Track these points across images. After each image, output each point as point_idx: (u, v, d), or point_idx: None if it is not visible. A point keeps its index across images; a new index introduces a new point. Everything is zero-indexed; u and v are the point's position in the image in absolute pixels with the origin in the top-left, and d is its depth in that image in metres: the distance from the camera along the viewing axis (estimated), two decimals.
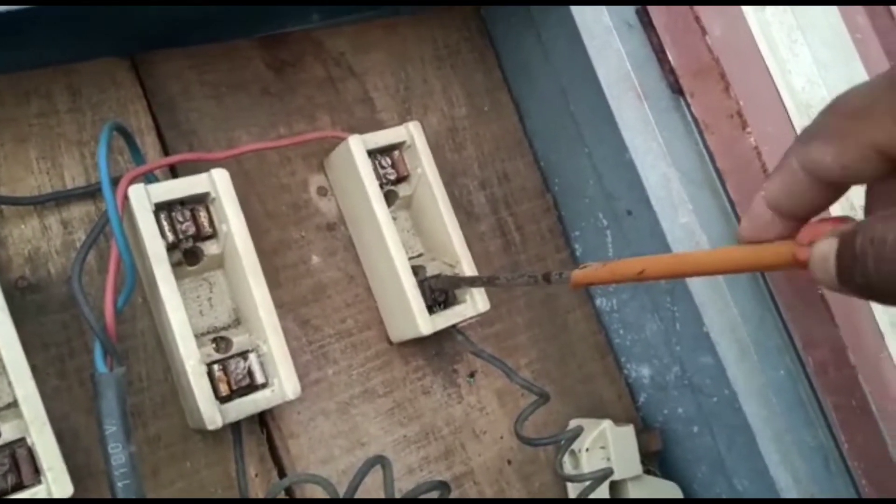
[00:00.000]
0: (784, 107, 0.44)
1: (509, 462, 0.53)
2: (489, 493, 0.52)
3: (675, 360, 0.53)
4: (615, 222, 0.53)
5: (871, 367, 0.40)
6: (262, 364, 0.41)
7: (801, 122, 0.45)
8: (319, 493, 0.42)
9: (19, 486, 0.35)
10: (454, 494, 0.50)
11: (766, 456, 0.43)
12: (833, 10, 0.45)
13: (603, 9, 0.43)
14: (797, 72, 0.45)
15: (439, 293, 0.48)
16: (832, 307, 0.38)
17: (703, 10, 0.39)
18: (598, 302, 0.58)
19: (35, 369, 0.37)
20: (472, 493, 0.51)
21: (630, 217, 0.51)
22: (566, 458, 0.52)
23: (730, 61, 0.39)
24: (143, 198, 0.38)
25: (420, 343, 0.51)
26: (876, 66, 0.45)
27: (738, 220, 0.44)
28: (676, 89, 0.43)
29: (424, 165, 0.48)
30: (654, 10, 0.42)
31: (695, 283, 0.45)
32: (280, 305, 0.45)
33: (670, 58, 0.42)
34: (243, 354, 0.41)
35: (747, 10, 0.43)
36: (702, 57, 0.40)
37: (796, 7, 0.44)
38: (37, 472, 0.36)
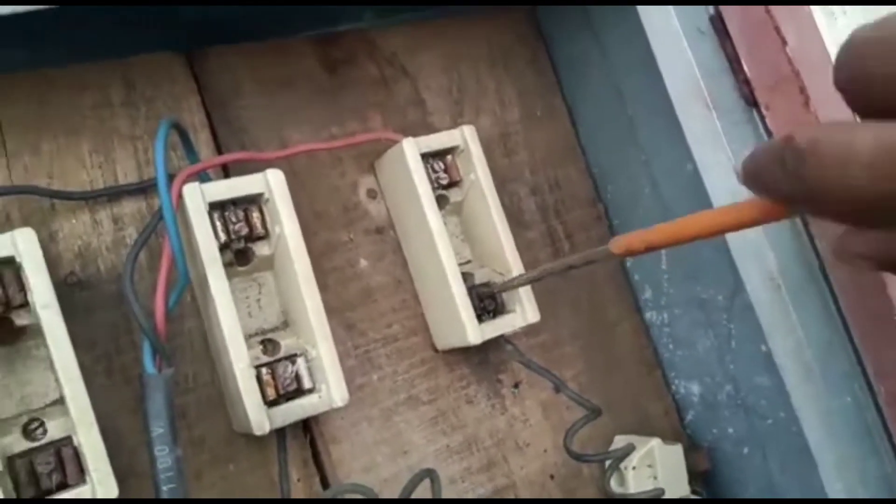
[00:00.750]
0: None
1: (552, 476, 0.52)
2: None
3: (728, 378, 0.51)
4: None
5: None
6: (310, 369, 0.41)
7: None
8: None
9: (63, 486, 0.35)
10: None
11: (826, 483, 0.41)
12: None
13: (671, 12, 0.42)
14: None
15: (489, 301, 0.47)
16: None
17: (783, 19, 0.37)
18: (647, 315, 0.57)
19: (82, 367, 0.36)
20: None
21: None
22: (613, 477, 0.50)
23: (809, 74, 0.38)
24: (197, 197, 0.38)
25: (465, 351, 0.49)
26: None
27: (809, 237, 0.42)
28: (751, 101, 0.41)
29: (478, 171, 0.47)
30: (729, 17, 0.40)
31: (759, 301, 0.44)
32: (328, 309, 0.44)
33: (746, 68, 0.40)
34: (291, 358, 0.41)
35: (821, 21, 0.42)
36: (781, 68, 0.38)
37: (870, 16, 0.43)
38: (82, 472, 0.35)
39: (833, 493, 0.41)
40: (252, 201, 0.41)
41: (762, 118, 0.41)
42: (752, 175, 0.23)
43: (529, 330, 0.52)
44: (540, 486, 0.51)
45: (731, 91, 0.42)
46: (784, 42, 0.38)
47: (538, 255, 0.54)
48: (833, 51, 0.42)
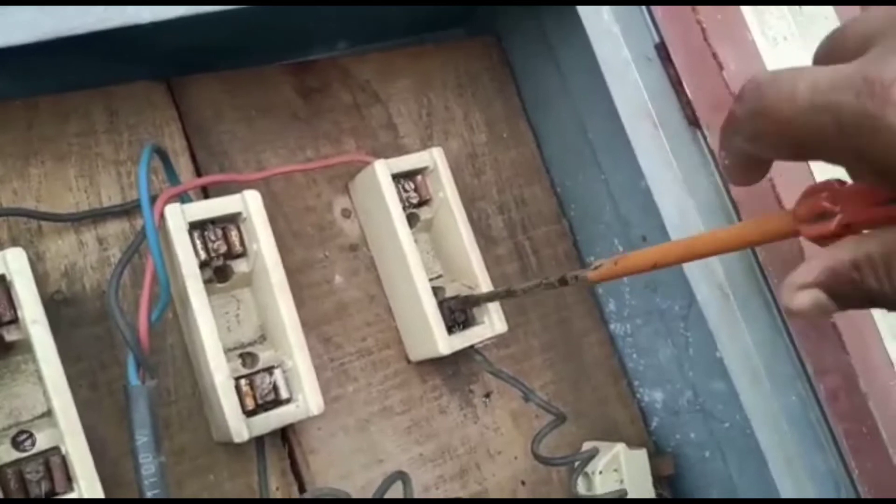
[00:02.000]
0: None
1: (523, 483, 0.54)
2: None
3: (687, 385, 0.54)
4: (631, 248, 0.54)
5: (881, 395, 0.41)
6: (287, 380, 0.43)
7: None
8: None
9: (52, 493, 0.36)
10: None
11: (777, 480, 0.44)
12: None
13: (622, 42, 0.45)
14: None
15: (459, 314, 0.49)
16: (844, 336, 0.39)
17: (720, 46, 0.41)
18: (612, 327, 0.59)
19: (67, 380, 0.38)
20: None
21: (645, 243, 0.52)
22: (580, 480, 0.53)
23: None
24: (178, 217, 0.40)
25: (437, 363, 0.52)
26: None
27: (753, 249, 0.45)
28: (693, 121, 0.44)
29: (446, 190, 0.49)
30: (673, 45, 0.43)
31: (709, 310, 0.46)
32: (303, 323, 0.46)
33: (687, 91, 0.44)
34: (269, 370, 0.43)
35: (763, 46, 0.45)
36: (718, 92, 0.41)
37: (810, 43, 0.46)
38: (69, 479, 0.37)
39: (784, 491, 0.44)
40: (230, 220, 0.43)
41: (704, 137, 0.44)
42: (724, 124, 0.29)
43: (500, 342, 0.54)
44: (511, 492, 0.53)
45: (676, 112, 0.45)
46: (721, 67, 0.41)
47: (506, 269, 0.56)
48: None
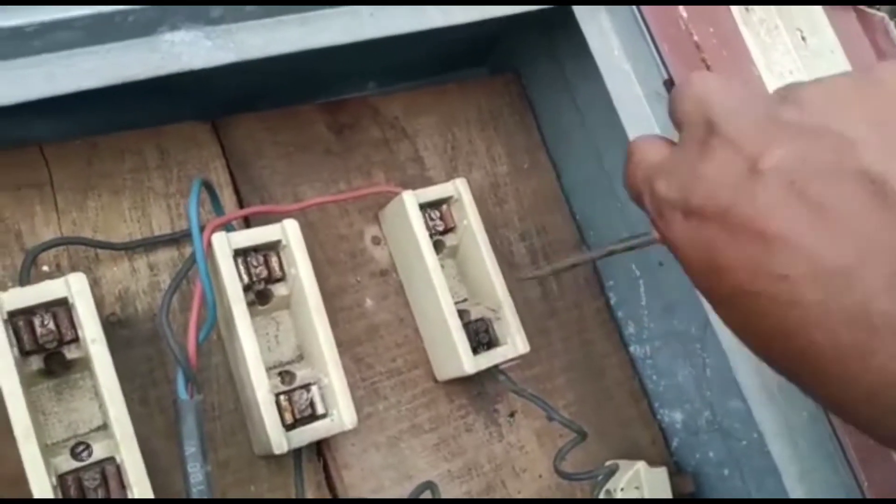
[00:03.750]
0: None
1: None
2: None
3: (705, 405, 0.56)
4: (647, 273, 0.57)
5: None
6: (322, 396, 0.45)
7: None
8: None
9: (108, 499, 0.39)
10: None
11: (791, 493, 0.45)
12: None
13: (633, 79, 0.48)
14: None
15: (483, 335, 0.52)
16: None
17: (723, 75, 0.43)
18: (632, 349, 0.61)
19: None
20: None
21: (661, 268, 0.54)
22: (601, 497, 0.54)
23: None
24: (224, 244, 0.43)
25: (464, 383, 0.54)
26: None
27: None
28: None
29: (470, 218, 0.52)
30: (679, 78, 0.46)
31: (724, 331, 0.49)
32: (337, 344, 0.49)
33: None
34: (306, 387, 0.46)
35: (769, 81, 0.48)
36: None
37: (815, 75, 0.49)
38: (123, 487, 0.40)
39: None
40: (271, 248, 0.46)
41: None
42: None
43: (523, 363, 0.57)
44: None
45: None
46: None
47: (528, 294, 0.59)
48: None
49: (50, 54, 0.36)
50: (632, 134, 0.49)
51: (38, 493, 0.37)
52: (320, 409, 0.45)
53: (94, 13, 0.35)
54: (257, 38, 0.40)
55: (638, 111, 0.49)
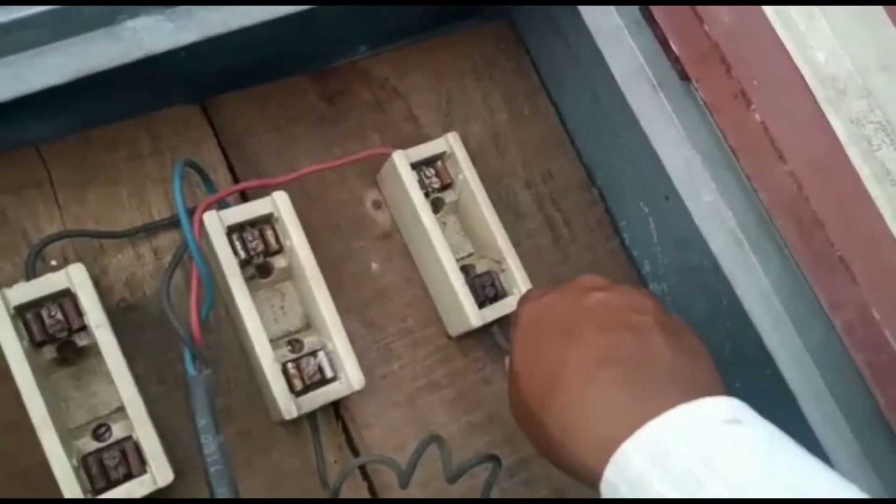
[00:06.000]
0: (805, 82, 0.46)
1: None
2: (555, 473, 0.55)
3: (726, 337, 0.54)
4: (655, 208, 0.55)
5: None
6: (330, 360, 0.46)
7: (824, 94, 0.46)
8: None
9: (128, 476, 0.41)
10: (522, 475, 0.53)
11: (809, 417, 0.44)
12: None
13: (612, 9, 0.46)
14: (818, 46, 0.47)
15: (489, 288, 0.52)
16: (852, 267, 0.40)
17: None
18: (651, 287, 0.60)
19: (138, 377, 0.43)
20: (539, 474, 0.54)
21: (668, 202, 0.53)
22: None
23: (731, 45, 0.42)
24: (216, 222, 0.44)
25: (478, 337, 0.54)
26: None
27: (757, 193, 0.45)
28: (684, 76, 0.45)
29: (465, 172, 0.52)
30: (656, 8, 0.45)
31: (725, 258, 0.47)
32: (347, 310, 0.50)
33: (674, 48, 0.45)
34: (314, 353, 0.46)
35: None
36: (701, 44, 0.42)
37: None
38: (142, 462, 0.42)
39: (816, 428, 0.44)
40: (265, 221, 0.47)
41: (696, 90, 0.45)
42: None
43: None
44: None
45: (669, 70, 0.46)
46: (701, 20, 0.42)
47: (539, 241, 0.59)
48: (775, 20, 0.46)
49: (16, 55, 0.37)
50: (614, 66, 0.47)
51: (60, 477, 0.39)
52: (329, 374, 0.46)
53: (51, 10, 0.36)
54: (218, 14, 0.40)
55: (619, 42, 0.47)
